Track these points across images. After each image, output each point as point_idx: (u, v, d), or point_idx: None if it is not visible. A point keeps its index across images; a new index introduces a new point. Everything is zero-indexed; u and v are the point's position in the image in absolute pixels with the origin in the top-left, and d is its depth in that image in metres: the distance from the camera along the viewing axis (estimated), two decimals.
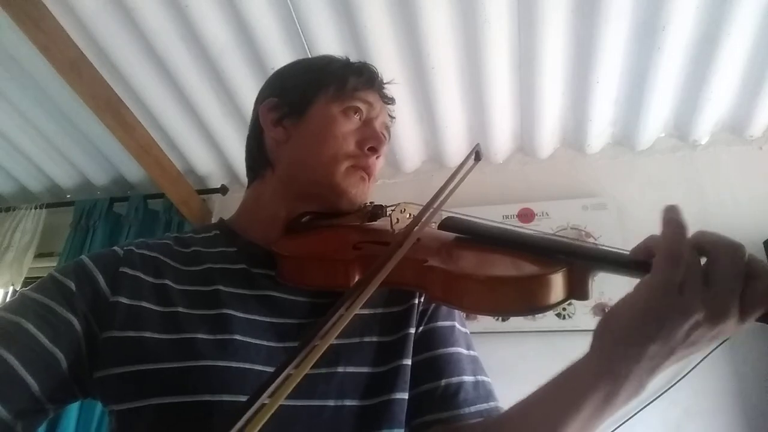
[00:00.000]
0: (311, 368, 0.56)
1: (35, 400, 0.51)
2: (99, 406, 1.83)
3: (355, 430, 0.56)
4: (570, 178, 1.90)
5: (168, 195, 2.12)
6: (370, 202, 0.70)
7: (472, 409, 0.61)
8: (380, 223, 0.68)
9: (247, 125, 0.78)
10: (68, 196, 2.48)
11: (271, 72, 0.80)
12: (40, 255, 2.34)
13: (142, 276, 0.60)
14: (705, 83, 1.60)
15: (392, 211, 0.67)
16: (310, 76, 0.72)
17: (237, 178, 2.24)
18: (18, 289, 2.22)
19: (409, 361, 0.63)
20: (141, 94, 1.83)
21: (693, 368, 1.50)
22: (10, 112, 2.04)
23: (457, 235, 0.61)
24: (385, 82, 0.76)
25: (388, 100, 0.76)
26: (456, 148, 1.96)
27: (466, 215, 0.63)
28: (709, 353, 1.49)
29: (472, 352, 0.69)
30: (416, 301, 0.68)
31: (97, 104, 1.74)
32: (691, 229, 0.42)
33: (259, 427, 0.33)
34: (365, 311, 0.65)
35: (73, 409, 1.84)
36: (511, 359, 1.55)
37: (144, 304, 0.57)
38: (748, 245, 0.39)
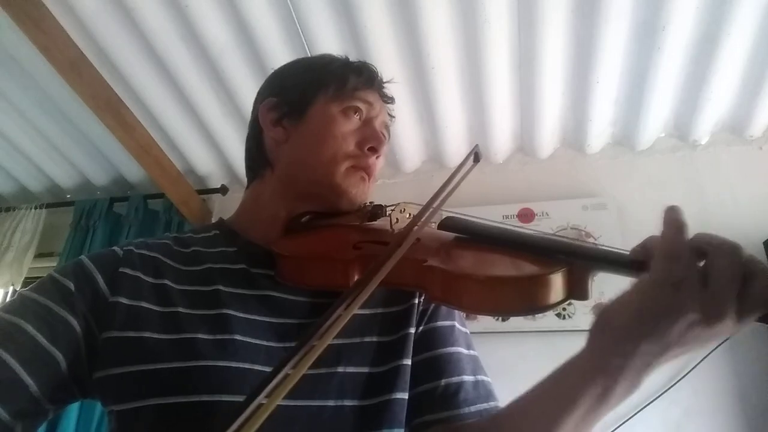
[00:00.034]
0: (311, 368, 0.56)
1: (35, 400, 0.51)
2: (99, 406, 1.83)
3: (355, 430, 0.56)
4: (570, 178, 1.90)
5: (168, 195, 2.12)
6: (370, 202, 0.70)
7: (472, 408, 0.61)
8: (380, 222, 0.68)
9: (247, 125, 0.78)
10: (68, 196, 2.48)
11: (271, 72, 0.80)
12: (40, 255, 2.34)
13: (142, 276, 0.60)
14: (705, 83, 1.60)
15: (392, 211, 0.67)
16: (310, 75, 0.72)
17: (237, 178, 2.24)
18: (18, 289, 2.22)
19: (409, 361, 0.63)
20: (141, 94, 1.83)
21: (693, 368, 1.50)
22: (10, 112, 2.04)
23: (457, 235, 0.61)
24: (384, 81, 0.76)
25: (388, 100, 0.76)
26: (456, 148, 1.96)
27: (466, 215, 0.62)
28: (709, 353, 1.49)
29: (472, 352, 0.69)
30: (416, 301, 0.68)
31: (97, 104, 1.74)
32: (691, 229, 0.42)
33: (256, 427, 0.33)
34: (365, 311, 0.65)
35: (73, 409, 1.84)
36: (511, 359, 1.55)
37: (144, 304, 0.57)
38: (748, 245, 0.39)
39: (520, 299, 0.48)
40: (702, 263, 0.40)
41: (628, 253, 0.46)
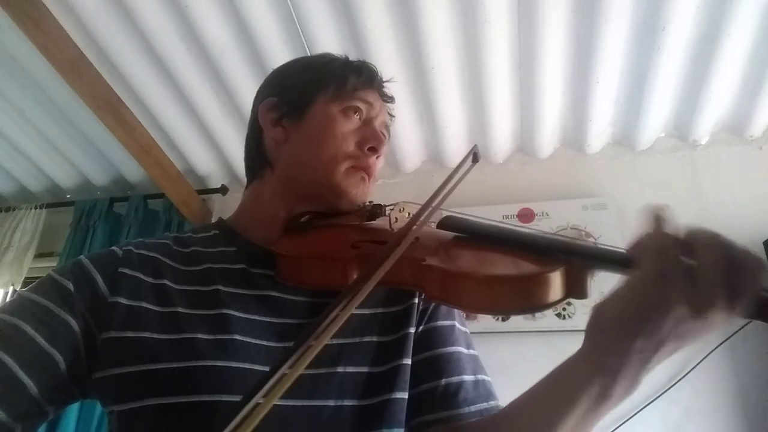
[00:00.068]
0: (311, 368, 0.57)
1: (34, 402, 0.51)
2: (99, 406, 1.83)
3: (355, 430, 0.56)
4: (570, 178, 1.90)
5: (168, 195, 2.12)
6: (369, 202, 0.70)
7: (472, 408, 0.61)
8: (379, 222, 0.68)
9: (247, 125, 0.78)
10: (68, 196, 2.48)
11: (271, 71, 0.80)
12: (40, 255, 2.34)
13: (142, 276, 0.60)
14: (705, 83, 1.60)
15: (391, 210, 0.67)
16: (310, 75, 0.72)
17: (237, 178, 2.24)
18: (18, 289, 2.22)
19: (408, 361, 0.63)
20: (141, 94, 1.83)
21: (693, 368, 1.50)
22: (10, 112, 2.04)
23: (456, 234, 0.61)
24: (384, 80, 0.76)
25: (388, 99, 0.76)
26: (456, 148, 1.96)
27: (466, 215, 0.62)
28: (709, 353, 1.49)
29: (472, 351, 0.69)
30: (416, 301, 0.68)
31: (97, 104, 1.74)
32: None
33: (253, 427, 0.33)
34: (365, 311, 0.65)
35: (73, 409, 1.84)
36: (511, 359, 1.55)
37: (143, 304, 0.57)
38: (748, 245, 0.39)
39: (519, 298, 0.48)
40: (688, 256, 0.40)
41: (626, 251, 0.46)
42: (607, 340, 0.43)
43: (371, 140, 0.69)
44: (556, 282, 0.48)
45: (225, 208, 2.21)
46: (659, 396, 1.50)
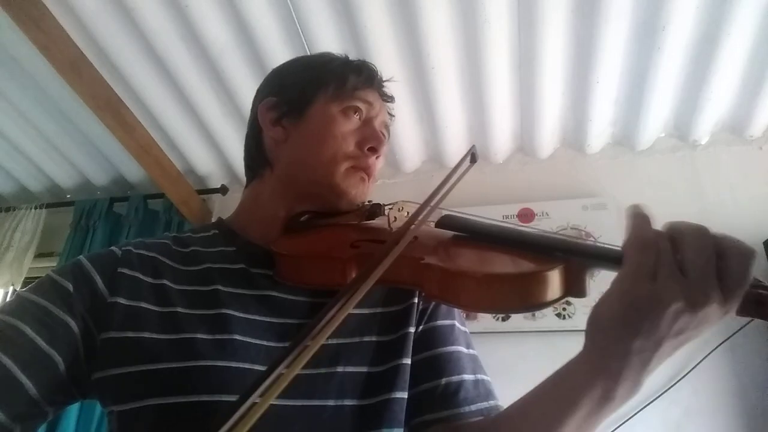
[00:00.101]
0: (311, 368, 0.57)
1: (33, 402, 0.51)
2: (99, 406, 1.83)
3: (355, 430, 0.56)
4: (570, 178, 1.90)
5: (168, 195, 2.12)
6: (369, 201, 0.70)
7: (473, 407, 0.61)
8: (378, 221, 0.68)
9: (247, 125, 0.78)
10: (68, 196, 2.48)
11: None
12: (40, 255, 2.35)
13: (141, 276, 0.60)
14: (705, 83, 1.60)
15: (390, 209, 0.67)
16: (309, 74, 0.72)
17: (237, 178, 2.24)
18: (18, 289, 2.22)
19: (408, 360, 0.63)
20: (141, 94, 1.83)
21: (693, 368, 1.50)
22: (10, 112, 2.05)
23: (454, 233, 0.61)
24: (384, 80, 0.75)
25: (388, 98, 0.76)
26: (456, 148, 1.96)
27: (466, 214, 0.62)
28: (709, 353, 1.49)
29: (471, 351, 0.69)
30: (415, 300, 0.68)
31: (97, 104, 1.74)
32: None
33: (248, 426, 0.33)
34: (364, 311, 0.65)
35: (73, 409, 1.84)
36: (511, 359, 1.55)
37: (143, 304, 0.57)
38: None
39: (518, 296, 0.48)
40: (676, 252, 0.40)
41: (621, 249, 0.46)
42: (606, 340, 0.43)
43: (371, 140, 0.69)
44: (554, 280, 0.48)
45: (225, 208, 2.21)
46: (659, 396, 1.50)
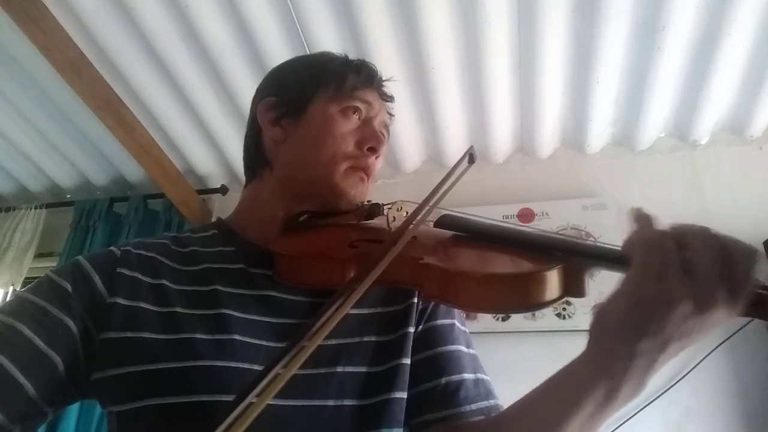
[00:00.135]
0: (310, 368, 0.57)
1: (32, 403, 0.51)
2: (99, 407, 1.83)
3: (355, 430, 0.56)
4: (570, 178, 1.90)
5: (168, 195, 2.12)
6: (368, 201, 0.70)
7: (473, 406, 0.61)
8: (377, 221, 0.68)
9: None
10: (68, 196, 2.48)
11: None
12: (40, 255, 2.35)
13: (140, 276, 0.60)
14: (705, 83, 1.60)
15: (389, 209, 0.67)
16: (309, 74, 0.72)
17: (237, 178, 2.24)
18: (18, 290, 2.22)
19: (408, 360, 0.62)
20: (141, 94, 1.83)
21: (693, 368, 1.50)
22: (10, 112, 2.05)
23: (454, 232, 0.61)
24: (384, 79, 0.75)
25: (387, 98, 0.76)
26: (456, 148, 1.96)
27: (465, 214, 0.62)
28: (710, 353, 1.49)
29: (471, 350, 0.68)
30: (415, 300, 0.68)
31: (97, 104, 1.74)
32: None
33: (245, 426, 0.33)
34: (364, 311, 0.65)
35: (73, 409, 1.84)
36: (511, 359, 1.55)
37: (142, 304, 0.57)
38: None
39: (517, 296, 0.48)
40: (682, 254, 0.40)
41: (622, 249, 0.46)
42: (611, 341, 0.43)
43: (370, 140, 0.69)
44: (554, 280, 0.48)
45: (225, 208, 2.21)
46: (659, 396, 1.50)
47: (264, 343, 0.58)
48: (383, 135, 0.73)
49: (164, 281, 0.60)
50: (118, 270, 0.59)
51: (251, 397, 0.35)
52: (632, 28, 1.48)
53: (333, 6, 1.50)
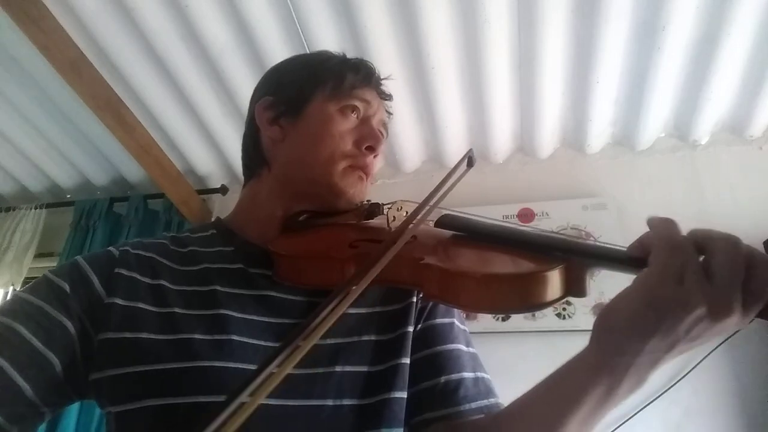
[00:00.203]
0: (309, 368, 0.56)
1: (30, 404, 0.51)
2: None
3: (355, 429, 0.56)
4: (570, 178, 1.90)
5: (168, 195, 2.12)
6: (367, 200, 0.70)
7: (473, 405, 0.61)
8: (377, 221, 0.68)
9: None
10: (68, 196, 2.48)
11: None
12: (40, 255, 2.34)
13: (138, 277, 0.59)
14: (705, 83, 1.59)
15: (389, 209, 0.66)
16: (307, 73, 0.72)
17: (237, 178, 2.24)
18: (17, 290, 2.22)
19: (407, 360, 0.62)
20: (141, 94, 1.83)
21: (693, 368, 1.50)
22: (10, 112, 2.05)
23: (454, 232, 0.61)
24: (382, 78, 0.75)
25: (386, 97, 0.76)
26: (456, 148, 1.96)
27: (465, 214, 0.62)
28: (709, 353, 1.49)
29: (471, 349, 0.68)
30: (414, 299, 0.67)
31: (97, 104, 1.74)
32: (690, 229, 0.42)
33: (236, 426, 0.33)
34: (363, 310, 0.65)
35: (73, 409, 1.84)
36: (511, 359, 1.55)
37: (140, 305, 0.57)
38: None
39: (518, 296, 0.48)
40: (702, 258, 0.40)
41: (625, 249, 0.46)
42: (619, 338, 0.43)
43: (369, 139, 0.68)
44: (555, 280, 0.48)
45: (225, 208, 2.21)
46: (659, 396, 1.49)
47: (263, 343, 0.58)
48: (382, 134, 0.73)
49: (163, 281, 0.60)
50: (117, 270, 0.59)
51: (243, 397, 0.35)
52: (632, 28, 1.48)
53: (333, 6, 1.50)
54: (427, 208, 0.56)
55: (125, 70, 1.75)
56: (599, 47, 1.51)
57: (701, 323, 0.39)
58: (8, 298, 0.57)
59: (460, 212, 0.62)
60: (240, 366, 0.54)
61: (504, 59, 1.60)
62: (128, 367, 0.53)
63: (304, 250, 0.63)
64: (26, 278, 2.27)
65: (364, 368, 0.60)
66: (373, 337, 0.63)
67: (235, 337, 0.56)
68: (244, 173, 0.76)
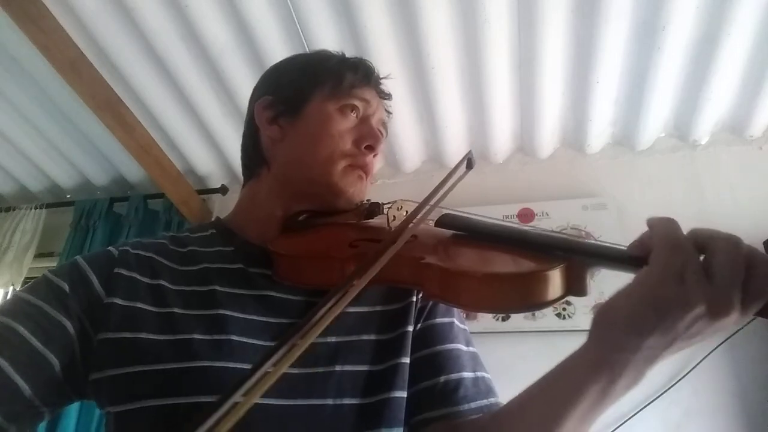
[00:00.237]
0: (309, 367, 0.56)
1: (28, 403, 0.51)
2: None
3: (355, 429, 0.56)
4: (570, 178, 1.90)
5: (168, 195, 2.12)
6: (367, 200, 0.70)
7: (472, 405, 0.61)
8: (377, 220, 0.68)
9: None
10: (68, 196, 2.48)
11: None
12: (40, 255, 2.34)
13: (138, 277, 0.59)
14: (705, 83, 1.59)
15: (389, 208, 0.66)
16: (306, 72, 0.72)
17: (237, 178, 2.24)
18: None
19: (407, 359, 0.62)
20: (141, 94, 1.83)
21: (693, 368, 1.50)
22: (10, 112, 2.04)
23: (455, 232, 0.61)
24: (381, 77, 0.75)
25: (385, 96, 0.76)
26: (456, 148, 1.96)
27: (465, 213, 0.62)
28: (709, 353, 1.49)
29: (471, 349, 0.68)
30: (414, 299, 0.67)
31: (97, 104, 1.74)
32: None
33: (229, 426, 0.33)
34: (363, 309, 0.65)
35: (73, 409, 1.84)
36: (511, 359, 1.55)
37: (139, 305, 0.57)
38: None
39: (518, 296, 0.48)
40: (703, 257, 0.40)
41: (626, 248, 0.46)
42: (617, 336, 0.43)
43: (368, 138, 0.68)
44: (555, 279, 0.47)
45: (225, 208, 2.21)
46: (659, 396, 1.49)
47: (262, 343, 0.58)
48: (381, 133, 0.73)
49: (162, 281, 0.60)
50: (116, 270, 0.59)
51: (237, 396, 0.35)
52: (632, 28, 1.48)
53: (333, 6, 1.50)
54: (428, 207, 0.56)
55: (125, 70, 1.75)
56: (599, 47, 1.51)
57: (700, 321, 0.39)
58: (8, 297, 0.57)
59: (461, 212, 0.62)
60: (240, 366, 0.54)
61: (504, 59, 1.60)
62: (128, 367, 0.53)
63: (304, 250, 0.63)
64: (26, 278, 2.27)
65: (364, 367, 0.60)
66: (373, 337, 0.63)
67: (234, 337, 0.56)
68: (244, 173, 0.76)
